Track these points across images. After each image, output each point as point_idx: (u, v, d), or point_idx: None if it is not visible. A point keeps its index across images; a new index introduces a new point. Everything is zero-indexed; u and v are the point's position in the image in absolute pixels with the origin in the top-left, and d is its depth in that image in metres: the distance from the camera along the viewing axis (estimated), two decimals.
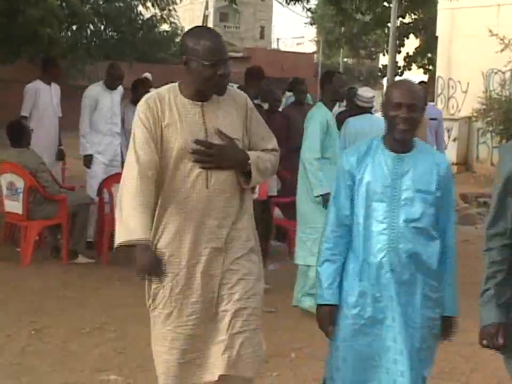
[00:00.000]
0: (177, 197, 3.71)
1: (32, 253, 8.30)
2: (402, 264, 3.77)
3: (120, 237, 3.59)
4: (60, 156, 9.85)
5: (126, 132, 9.26)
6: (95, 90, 9.36)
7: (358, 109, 8.29)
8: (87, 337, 6.20)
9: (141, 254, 3.54)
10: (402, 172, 3.82)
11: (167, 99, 3.74)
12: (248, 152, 3.81)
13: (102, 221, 8.78)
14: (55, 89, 9.77)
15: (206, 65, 3.64)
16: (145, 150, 3.65)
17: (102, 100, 9.27)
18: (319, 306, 3.92)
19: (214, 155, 3.71)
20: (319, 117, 7.20)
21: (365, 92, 8.29)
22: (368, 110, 8.20)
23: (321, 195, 6.93)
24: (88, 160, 9.26)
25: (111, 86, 9.38)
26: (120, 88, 9.57)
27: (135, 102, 9.37)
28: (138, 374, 5.46)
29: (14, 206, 8.40)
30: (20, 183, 8.29)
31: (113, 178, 8.74)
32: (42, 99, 9.59)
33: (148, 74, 12.95)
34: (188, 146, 3.68)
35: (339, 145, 7.37)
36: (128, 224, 3.57)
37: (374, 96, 8.29)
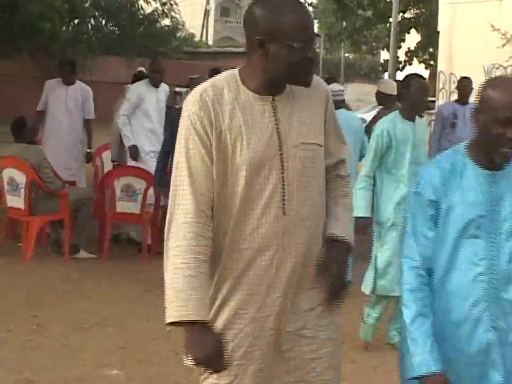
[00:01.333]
0: (240, 230, 2.82)
1: (33, 248, 8.29)
2: (508, 320, 2.91)
3: (170, 313, 2.89)
4: (87, 158, 9.85)
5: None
6: (140, 88, 9.18)
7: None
8: (88, 332, 6.21)
9: (196, 338, 2.76)
10: (498, 196, 2.94)
11: (226, 94, 2.83)
12: (339, 231, 2.95)
13: (103, 216, 8.78)
14: (75, 90, 9.73)
15: (294, 47, 2.74)
16: (203, 174, 2.79)
17: (147, 98, 9.12)
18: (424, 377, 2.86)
19: (338, 286, 2.88)
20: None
21: (333, 86, 8.25)
22: (340, 105, 8.12)
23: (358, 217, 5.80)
24: (134, 151, 8.99)
25: (154, 83, 9.19)
26: (165, 87, 9.44)
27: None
28: (139, 369, 5.47)
29: (16, 201, 8.40)
30: (21, 178, 8.29)
31: (116, 173, 8.75)
32: (53, 97, 9.64)
33: (142, 69, 12.95)
34: (256, 159, 2.79)
35: None
36: (179, 295, 2.84)
37: (343, 90, 8.29)
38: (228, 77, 2.88)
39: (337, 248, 2.91)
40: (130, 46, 28.61)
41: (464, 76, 11.39)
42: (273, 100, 2.85)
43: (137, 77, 12.08)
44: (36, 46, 17.81)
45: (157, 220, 8.91)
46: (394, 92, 8.70)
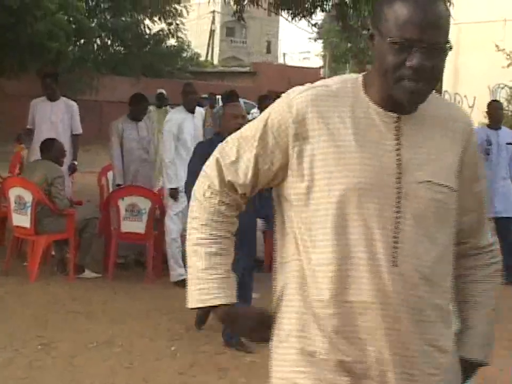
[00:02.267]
0: (333, 282, 2.17)
1: (39, 267, 8.31)
2: None
3: (191, 297, 2.40)
4: (71, 169, 9.87)
5: (125, 150, 9.24)
6: (178, 115, 8.69)
7: None
8: (94, 351, 6.21)
9: (228, 316, 2.34)
10: None
11: (340, 98, 2.24)
12: (478, 351, 2.37)
13: (109, 235, 8.80)
14: (59, 106, 9.81)
15: (391, 46, 2.11)
16: (248, 163, 2.33)
17: (185, 125, 8.61)
18: None
19: None
20: None
21: None
22: None
23: None
24: (175, 194, 8.48)
25: (190, 108, 8.69)
26: (201, 111, 9.20)
27: (134, 118, 9.40)
28: None
29: (22, 220, 8.43)
30: (28, 197, 8.32)
31: (121, 192, 8.77)
32: (39, 114, 9.79)
33: (162, 91, 12.99)
34: (362, 187, 2.15)
35: None
36: (200, 275, 2.36)
37: None
38: (348, 80, 2.30)
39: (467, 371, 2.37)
40: (136, 66, 28.79)
41: (494, 99, 11.49)
42: (398, 120, 2.21)
43: (159, 99, 12.17)
44: (42, 65, 17.92)
45: (162, 239, 8.92)
46: None
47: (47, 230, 8.39)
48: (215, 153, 2.42)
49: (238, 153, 2.35)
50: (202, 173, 2.43)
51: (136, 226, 8.61)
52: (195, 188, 2.44)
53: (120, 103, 29.98)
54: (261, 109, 10.07)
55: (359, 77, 2.29)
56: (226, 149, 2.40)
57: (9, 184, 8.59)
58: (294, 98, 2.25)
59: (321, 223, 2.18)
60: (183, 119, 8.57)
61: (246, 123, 5.85)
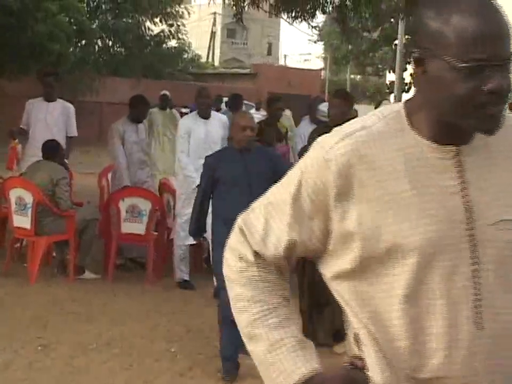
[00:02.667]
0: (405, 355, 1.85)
1: (39, 269, 8.31)
2: None
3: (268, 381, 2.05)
4: None
5: (127, 154, 9.16)
6: (187, 120, 8.56)
7: (320, 123, 8.62)
8: (94, 353, 6.21)
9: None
10: None
11: (385, 142, 1.88)
12: None
13: (109, 236, 8.80)
14: (55, 107, 9.80)
15: (459, 69, 1.76)
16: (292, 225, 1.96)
17: (194, 131, 8.30)
18: None
19: None
20: None
21: (324, 107, 8.54)
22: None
23: None
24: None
25: (201, 114, 8.40)
26: (220, 117, 8.83)
27: (134, 119, 9.35)
28: None
29: (23, 221, 8.43)
30: (29, 198, 8.33)
31: (121, 193, 8.78)
32: (34, 114, 9.77)
33: (166, 92, 12.96)
34: (429, 244, 1.81)
35: None
36: (267, 359, 2.03)
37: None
38: (389, 116, 1.93)
39: None
40: (136, 67, 28.79)
41: None
42: (457, 153, 1.86)
43: (163, 101, 12.10)
44: (43, 67, 17.94)
45: (162, 241, 8.93)
46: None
47: (47, 231, 8.39)
48: (239, 223, 2.08)
49: (267, 223, 2.00)
50: (227, 247, 2.10)
51: (136, 227, 8.61)
52: (225, 267, 2.09)
53: (121, 105, 30.02)
54: (270, 112, 9.86)
55: (401, 109, 1.93)
56: (252, 218, 2.05)
57: (10, 185, 8.60)
58: (331, 150, 1.87)
59: (386, 293, 1.84)
60: (192, 125, 8.32)
61: (255, 134, 5.64)
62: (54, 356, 6.09)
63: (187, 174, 8.14)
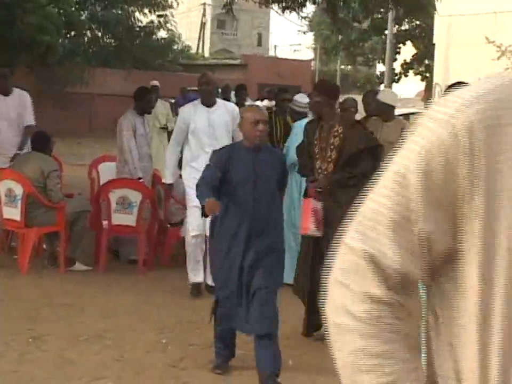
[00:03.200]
0: None
1: (29, 261, 8.30)
2: None
3: None
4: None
5: (138, 147, 8.97)
6: (187, 109, 7.97)
7: (295, 114, 8.70)
8: (85, 344, 6.20)
9: None
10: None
11: None
12: None
13: (100, 228, 8.79)
14: (14, 99, 9.60)
15: None
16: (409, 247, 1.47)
17: (195, 120, 7.75)
18: None
19: None
20: None
21: (300, 97, 8.61)
22: (304, 115, 8.48)
23: None
24: (169, 189, 8.47)
25: (203, 101, 7.82)
26: (229, 106, 8.11)
27: (143, 111, 9.27)
28: (136, 382, 5.47)
29: (12, 213, 8.41)
30: (19, 190, 8.30)
31: (111, 185, 8.76)
32: None
33: (155, 82, 12.93)
34: None
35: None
36: None
37: (307, 103, 8.45)
38: None
39: None
40: (126, 59, 28.72)
41: None
42: None
43: (154, 91, 11.98)
44: (33, 58, 17.88)
45: (153, 232, 8.92)
46: (396, 103, 8.48)
47: (37, 223, 8.38)
48: (359, 254, 1.50)
49: (394, 233, 1.48)
50: (335, 285, 1.53)
51: (127, 219, 8.60)
52: (328, 311, 1.54)
53: (111, 96, 30.02)
54: (278, 105, 9.83)
55: None
56: (374, 243, 1.49)
57: (0, 177, 8.56)
58: (459, 120, 1.42)
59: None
60: (193, 113, 7.74)
61: (266, 128, 5.32)
62: (45, 347, 6.08)
63: (167, 166, 8.00)
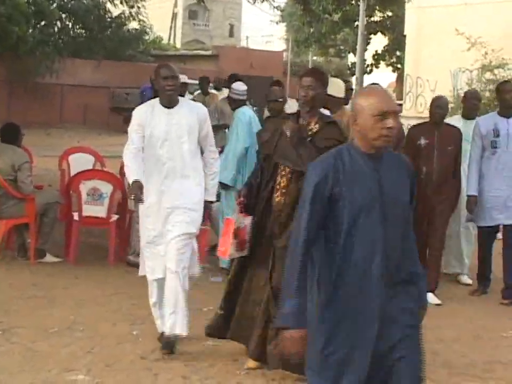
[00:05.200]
0: None
1: None
2: None
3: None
4: None
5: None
6: (144, 109, 6.10)
7: (234, 102, 8.67)
8: (56, 336, 6.17)
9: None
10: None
11: None
12: None
13: (70, 220, 8.75)
14: None
15: None
16: None
17: (151, 123, 5.97)
18: None
19: None
20: None
21: (238, 85, 8.63)
22: (243, 103, 8.61)
23: None
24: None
25: (164, 102, 6.01)
26: (190, 105, 6.23)
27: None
28: (107, 374, 5.44)
29: None
30: None
31: (82, 176, 8.71)
32: None
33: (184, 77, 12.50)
34: None
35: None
36: None
37: (246, 89, 8.63)
38: None
39: None
40: (97, 49, 28.53)
41: (505, 79, 10.03)
42: None
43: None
44: (3, 49, 17.73)
45: (124, 224, 8.89)
46: (342, 94, 7.61)
47: (7, 215, 8.32)
48: None
49: None
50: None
51: (97, 210, 8.56)
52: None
53: (82, 87, 29.83)
54: (270, 108, 8.17)
55: None
56: None
57: None
58: None
59: None
60: (150, 116, 5.95)
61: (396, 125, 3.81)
62: (15, 340, 6.04)
63: (128, 176, 5.87)
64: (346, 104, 7.54)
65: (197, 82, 14.75)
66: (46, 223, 8.56)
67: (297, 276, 3.42)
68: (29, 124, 9.66)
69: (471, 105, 8.65)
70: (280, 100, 8.02)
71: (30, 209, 8.37)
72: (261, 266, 5.50)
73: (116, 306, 6.98)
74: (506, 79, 9.23)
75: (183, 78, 11.76)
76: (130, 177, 5.76)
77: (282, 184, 5.40)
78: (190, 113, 5.97)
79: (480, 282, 8.17)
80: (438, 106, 7.94)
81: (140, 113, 6.01)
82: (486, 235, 8.03)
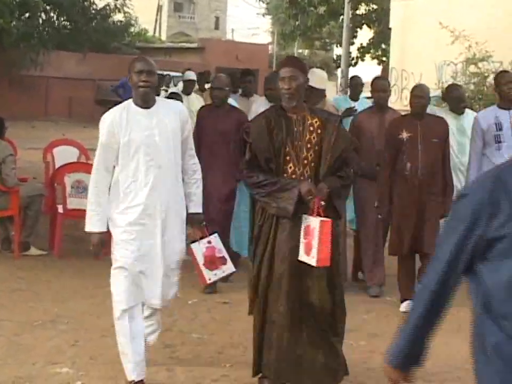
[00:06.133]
0: None
1: None
2: None
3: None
4: None
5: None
6: (115, 114, 5.15)
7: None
8: (40, 329, 6.17)
9: None
10: None
11: None
12: None
13: (54, 212, 8.73)
14: None
15: None
16: None
17: (129, 128, 5.09)
18: None
19: None
20: None
21: (188, 75, 8.72)
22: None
23: None
24: None
25: (140, 102, 5.13)
26: (169, 105, 5.42)
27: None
28: (91, 366, 5.45)
29: None
30: None
31: (66, 168, 8.70)
32: None
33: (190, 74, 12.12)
34: None
35: None
36: None
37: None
38: None
39: None
40: (82, 41, 28.37)
41: (502, 69, 9.37)
42: None
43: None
44: None
45: None
46: (323, 86, 7.44)
47: None
48: None
49: None
50: None
51: (82, 203, 8.54)
52: None
53: (67, 79, 29.72)
54: (213, 95, 7.76)
55: None
56: None
57: None
58: None
59: None
60: (125, 121, 5.07)
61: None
62: None
63: (88, 218, 5.38)
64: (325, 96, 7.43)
65: (181, 74, 14.54)
66: (30, 216, 8.54)
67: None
68: (13, 117, 9.60)
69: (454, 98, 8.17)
70: (226, 88, 7.52)
71: (14, 202, 8.35)
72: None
73: (100, 299, 6.97)
74: (503, 70, 8.80)
75: (190, 75, 11.23)
76: (92, 222, 5.28)
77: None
78: (171, 113, 5.16)
79: None
80: (417, 95, 7.21)
81: (110, 120, 5.03)
82: None
